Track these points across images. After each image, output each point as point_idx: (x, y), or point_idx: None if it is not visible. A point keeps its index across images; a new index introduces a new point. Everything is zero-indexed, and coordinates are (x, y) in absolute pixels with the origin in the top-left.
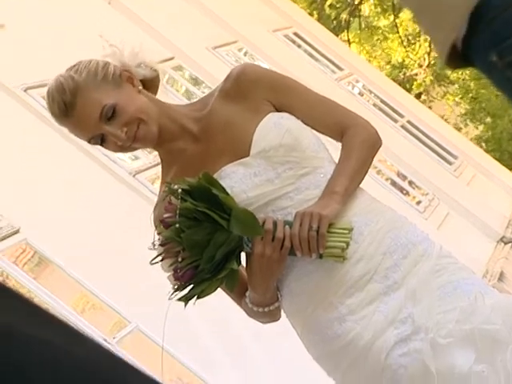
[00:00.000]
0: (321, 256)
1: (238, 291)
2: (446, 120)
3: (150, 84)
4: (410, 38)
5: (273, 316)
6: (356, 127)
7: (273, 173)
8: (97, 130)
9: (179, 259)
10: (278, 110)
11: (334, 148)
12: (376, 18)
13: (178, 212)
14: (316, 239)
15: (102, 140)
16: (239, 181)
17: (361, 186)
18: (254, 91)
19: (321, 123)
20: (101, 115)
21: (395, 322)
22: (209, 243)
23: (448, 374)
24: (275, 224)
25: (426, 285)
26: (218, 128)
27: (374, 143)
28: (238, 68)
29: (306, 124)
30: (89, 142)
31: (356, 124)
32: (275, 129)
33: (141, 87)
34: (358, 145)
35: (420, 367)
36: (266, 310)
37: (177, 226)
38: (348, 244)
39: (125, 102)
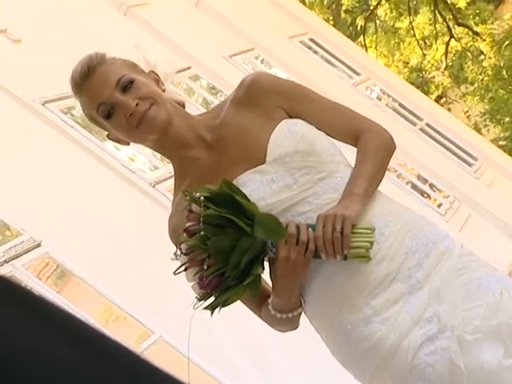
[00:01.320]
0: (345, 257)
1: (257, 300)
2: (468, 117)
3: None
4: (427, 41)
5: (293, 323)
6: (370, 132)
7: (290, 178)
8: (109, 98)
9: (205, 267)
10: (291, 117)
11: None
12: (392, 22)
13: (201, 219)
14: (340, 240)
15: (111, 113)
16: (257, 188)
17: (378, 188)
18: (266, 99)
19: (335, 129)
20: (117, 83)
21: (421, 322)
22: (234, 249)
23: (477, 370)
24: (298, 227)
25: (450, 283)
26: (232, 136)
27: (389, 147)
28: (251, 76)
29: (320, 130)
30: (97, 110)
31: (370, 129)
32: (290, 135)
33: (164, 88)
34: (374, 149)
35: (448, 365)
36: (289, 315)
37: (201, 233)
38: (372, 243)
39: (144, 82)
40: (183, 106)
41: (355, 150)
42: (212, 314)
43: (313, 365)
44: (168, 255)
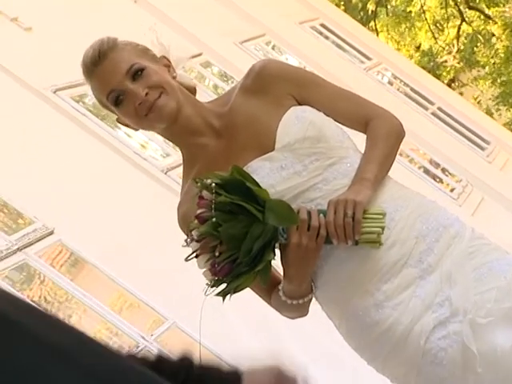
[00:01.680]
0: (356, 243)
1: (266, 287)
2: (478, 102)
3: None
4: (438, 24)
5: (303, 310)
6: (379, 118)
7: (300, 165)
8: (119, 85)
9: (216, 254)
10: (300, 104)
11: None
12: (403, 6)
13: (213, 206)
14: (352, 226)
15: (120, 100)
16: (266, 176)
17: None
18: (275, 86)
19: (344, 116)
20: (128, 71)
21: (433, 306)
22: (245, 236)
23: (490, 353)
24: (309, 213)
25: (461, 267)
26: (241, 124)
27: (398, 134)
28: (259, 63)
29: (328, 117)
30: (107, 96)
31: (379, 115)
32: (298, 122)
33: (175, 74)
34: (384, 135)
35: (460, 349)
36: (300, 301)
37: (213, 220)
38: (383, 229)
39: (154, 70)
40: (194, 90)
41: (364, 135)
42: (223, 300)
43: (326, 351)
44: (180, 242)
